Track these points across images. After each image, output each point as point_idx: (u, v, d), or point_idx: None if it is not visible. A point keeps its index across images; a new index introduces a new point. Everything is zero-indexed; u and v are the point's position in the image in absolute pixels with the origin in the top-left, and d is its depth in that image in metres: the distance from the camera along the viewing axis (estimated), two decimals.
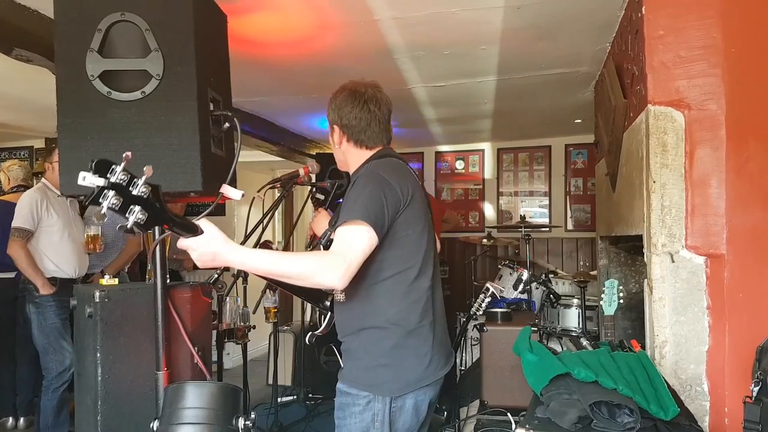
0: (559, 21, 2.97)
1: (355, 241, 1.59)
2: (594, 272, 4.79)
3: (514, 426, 2.56)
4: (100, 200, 1.23)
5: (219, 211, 6.20)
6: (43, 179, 3.85)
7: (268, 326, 4.54)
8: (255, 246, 2.72)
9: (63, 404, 3.68)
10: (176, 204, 5.07)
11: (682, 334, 2.23)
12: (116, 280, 2.13)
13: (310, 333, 1.99)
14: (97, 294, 1.93)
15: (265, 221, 2.66)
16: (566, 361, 1.75)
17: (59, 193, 3.76)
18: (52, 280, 3.66)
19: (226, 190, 1.86)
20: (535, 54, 3.49)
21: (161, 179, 1.76)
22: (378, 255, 1.67)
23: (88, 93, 1.76)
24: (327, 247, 1.82)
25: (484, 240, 5.73)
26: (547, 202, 6.62)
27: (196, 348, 2.04)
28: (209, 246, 1.50)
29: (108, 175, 1.23)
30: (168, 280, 2.02)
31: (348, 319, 1.82)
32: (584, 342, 2.38)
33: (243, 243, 2.70)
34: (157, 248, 1.95)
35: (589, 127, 4.49)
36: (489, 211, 6.85)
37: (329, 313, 1.96)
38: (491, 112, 5.11)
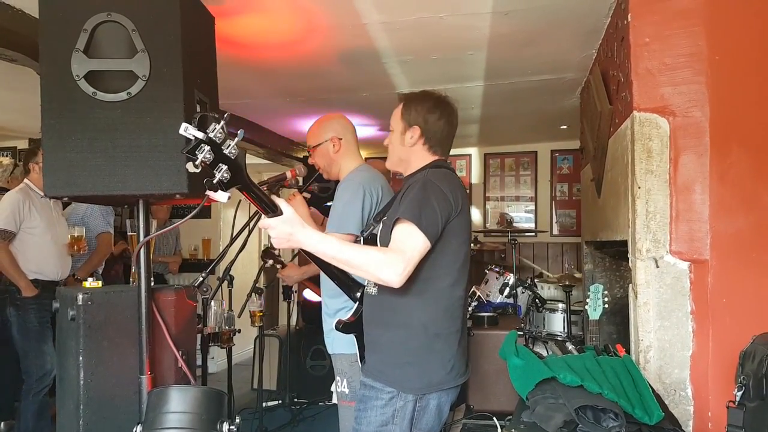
0: (545, 27, 2.99)
1: (414, 242, 1.66)
2: (578, 273, 4.82)
3: (499, 430, 2.56)
4: (197, 152, 1.29)
5: (204, 213, 6.17)
6: (25, 180, 3.80)
7: (253, 330, 4.51)
8: (241, 250, 2.72)
9: (43, 408, 3.63)
10: (162, 206, 5.05)
11: (666, 339, 2.25)
12: (100, 282, 2.10)
13: (338, 319, 2.01)
14: (80, 296, 1.90)
15: (251, 224, 2.64)
16: (552, 366, 1.76)
17: (42, 194, 3.72)
18: (35, 283, 3.61)
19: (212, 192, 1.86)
20: (522, 60, 3.51)
21: (146, 180, 1.76)
22: (423, 258, 1.71)
23: (74, 93, 1.74)
24: (368, 240, 1.91)
25: (471, 244, 5.73)
26: (533, 207, 6.66)
27: (180, 352, 2.02)
28: (287, 225, 1.57)
29: (207, 131, 1.29)
30: (152, 283, 2.00)
31: (378, 313, 1.86)
32: (570, 346, 2.39)
33: (229, 246, 2.71)
34: (142, 250, 1.93)
35: (575, 133, 4.53)
36: (476, 215, 6.88)
37: (357, 303, 2.01)
38: (478, 118, 5.13)
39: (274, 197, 1.57)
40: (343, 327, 1.99)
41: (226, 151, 1.33)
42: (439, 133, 1.92)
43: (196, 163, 1.31)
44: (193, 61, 1.85)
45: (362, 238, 1.99)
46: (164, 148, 1.75)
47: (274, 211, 1.55)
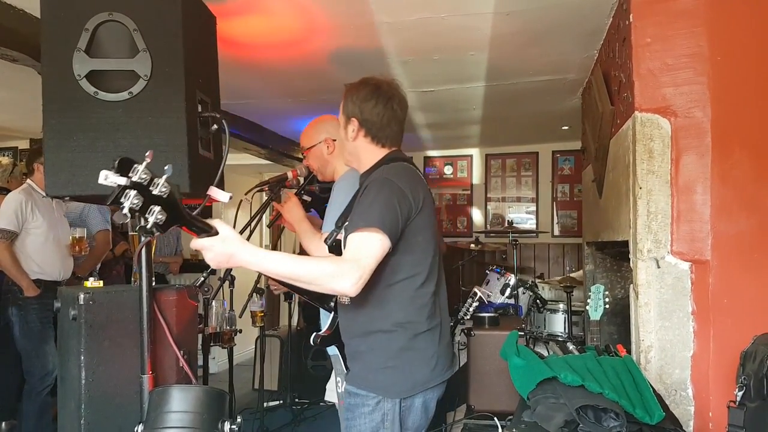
0: (547, 28, 2.99)
1: (369, 248, 1.60)
2: (576, 274, 4.82)
3: (500, 430, 2.56)
4: (122, 200, 1.21)
5: (206, 214, 6.16)
6: (28, 180, 3.80)
7: (254, 330, 4.52)
8: None
9: (45, 408, 3.63)
10: None
11: (667, 339, 2.25)
12: (101, 282, 2.10)
13: (314, 334, 1.98)
14: (82, 296, 1.90)
15: (253, 224, 2.64)
16: (553, 366, 1.75)
17: (44, 194, 3.73)
18: (37, 283, 3.62)
19: (214, 192, 1.85)
20: (523, 60, 3.51)
21: None
22: (387, 260, 1.67)
23: (75, 93, 1.73)
24: (332, 248, 1.85)
25: (472, 245, 5.74)
26: (534, 208, 6.66)
27: (181, 352, 2.02)
28: (225, 246, 1.49)
29: (130, 174, 1.21)
30: (154, 283, 2.00)
31: (354, 322, 1.82)
32: (570, 346, 2.39)
33: None
34: (143, 250, 1.93)
35: (577, 133, 4.53)
36: (477, 216, 6.88)
37: (333, 313, 1.95)
38: (480, 118, 5.13)
39: (211, 221, 1.49)
40: (321, 341, 1.94)
41: (155, 192, 1.25)
42: (378, 122, 1.83)
43: (124, 212, 1.22)
44: (195, 61, 1.85)
45: (327, 246, 1.91)
46: (166, 147, 1.74)
47: (209, 232, 1.47)
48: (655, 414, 1.60)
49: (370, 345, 1.78)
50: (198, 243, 1.49)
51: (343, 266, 1.58)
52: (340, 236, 1.78)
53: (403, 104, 1.88)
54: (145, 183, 1.23)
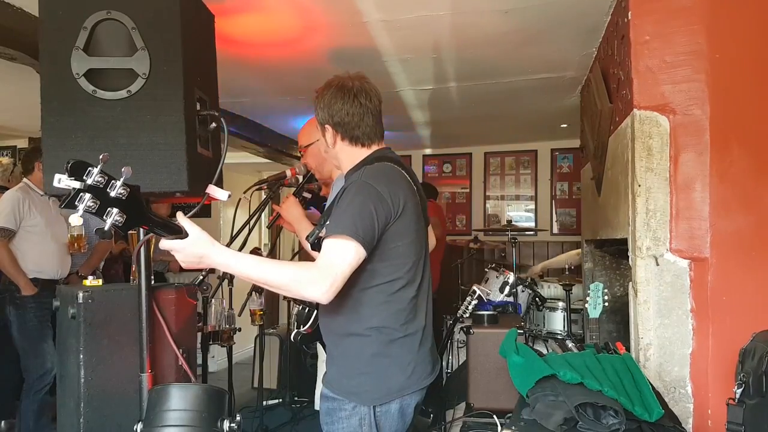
0: (546, 25, 2.99)
1: (343, 256, 1.55)
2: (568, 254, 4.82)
3: (500, 428, 2.56)
4: (76, 203, 1.20)
5: (205, 212, 6.17)
6: (25, 179, 3.80)
7: (253, 329, 4.51)
8: (241, 249, 2.72)
9: (44, 407, 3.63)
10: (162, 204, 5.04)
11: (666, 337, 2.25)
12: (100, 281, 2.10)
13: (295, 331, 1.96)
14: (81, 294, 1.90)
15: (251, 223, 2.64)
16: (552, 363, 1.75)
17: (42, 193, 3.72)
18: (34, 281, 3.61)
19: (213, 190, 1.85)
20: (522, 58, 3.51)
21: (147, 179, 1.75)
22: (364, 266, 1.62)
23: (73, 91, 1.73)
24: (314, 245, 1.80)
25: (471, 243, 5.74)
26: (533, 206, 6.66)
27: (180, 350, 2.02)
28: (195, 248, 1.47)
29: (84, 177, 1.20)
30: (152, 282, 2.00)
31: (331, 324, 1.78)
32: (570, 344, 2.39)
33: (229, 244, 2.70)
34: (142, 249, 1.93)
35: (575, 131, 4.53)
36: (476, 214, 6.88)
37: (315, 311, 1.92)
38: (478, 116, 5.13)
39: (181, 221, 1.49)
40: (301, 339, 1.92)
41: (113, 194, 1.24)
42: (351, 121, 1.75)
43: (79, 214, 1.20)
44: (193, 59, 1.84)
45: (309, 243, 1.86)
46: (164, 146, 1.74)
47: (179, 234, 1.46)
48: (654, 411, 1.60)
49: (344, 349, 1.74)
50: (167, 244, 1.48)
51: (314, 273, 1.53)
52: (322, 234, 1.71)
53: (372, 95, 1.78)
54: (102, 185, 1.22)
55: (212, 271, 2.58)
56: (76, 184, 1.19)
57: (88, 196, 1.20)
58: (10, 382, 4.12)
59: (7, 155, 5.90)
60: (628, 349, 2.26)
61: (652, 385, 1.77)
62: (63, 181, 1.18)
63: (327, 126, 1.79)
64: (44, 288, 3.60)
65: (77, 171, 1.19)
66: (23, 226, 3.61)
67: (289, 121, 5.27)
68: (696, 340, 2.22)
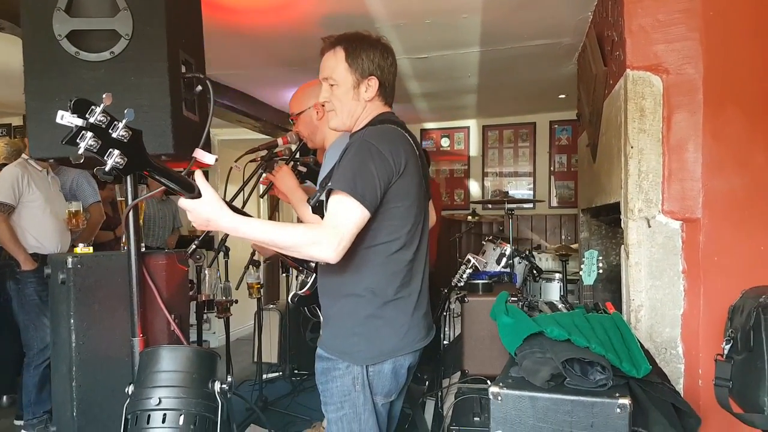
0: None
1: (347, 215, 1.57)
2: (574, 244, 4.82)
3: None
4: (78, 141, 1.19)
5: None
6: (23, 155, 3.79)
7: (254, 305, 4.53)
8: None
9: (45, 381, 3.65)
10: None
11: (657, 298, 2.25)
12: (91, 248, 2.10)
13: (293, 293, 1.97)
14: (70, 260, 1.90)
15: (246, 194, 2.60)
16: (540, 322, 1.76)
17: (40, 169, 3.72)
18: (34, 256, 3.63)
19: (200, 154, 1.83)
20: (517, 24, 3.46)
21: None
22: (368, 224, 1.63)
23: (56, 53, 1.72)
24: (315, 208, 1.82)
25: (469, 217, 5.73)
26: (531, 179, 6.64)
27: (172, 315, 2.03)
28: (205, 210, 1.48)
29: (87, 116, 1.19)
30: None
31: (328, 285, 1.81)
32: (560, 305, 2.40)
33: None
34: (130, 214, 1.92)
35: (573, 102, 4.49)
36: (474, 188, 6.86)
37: (314, 274, 1.93)
38: (475, 86, 5.09)
39: (199, 179, 1.48)
40: (298, 300, 1.92)
41: (114, 135, 1.23)
42: (392, 80, 1.81)
43: (80, 152, 1.20)
44: (178, 21, 1.82)
45: (310, 206, 1.88)
46: (149, 108, 1.72)
47: (191, 192, 1.46)
48: (641, 367, 1.61)
49: (339, 309, 1.76)
50: (183, 203, 1.49)
51: (322, 233, 1.56)
52: (323, 197, 1.74)
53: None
54: (104, 126, 1.22)
55: (209, 247, 2.55)
56: (79, 122, 1.18)
57: (89, 134, 1.19)
58: (11, 357, 4.16)
59: (1, 133, 5.88)
60: (619, 311, 2.26)
61: (640, 342, 1.77)
62: (66, 118, 1.18)
63: (373, 78, 1.78)
64: (44, 263, 3.61)
65: (80, 108, 1.19)
66: (23, 201, 3.61)
67: (282, 92, 5.21)
68: (687, 301, 2.22)
